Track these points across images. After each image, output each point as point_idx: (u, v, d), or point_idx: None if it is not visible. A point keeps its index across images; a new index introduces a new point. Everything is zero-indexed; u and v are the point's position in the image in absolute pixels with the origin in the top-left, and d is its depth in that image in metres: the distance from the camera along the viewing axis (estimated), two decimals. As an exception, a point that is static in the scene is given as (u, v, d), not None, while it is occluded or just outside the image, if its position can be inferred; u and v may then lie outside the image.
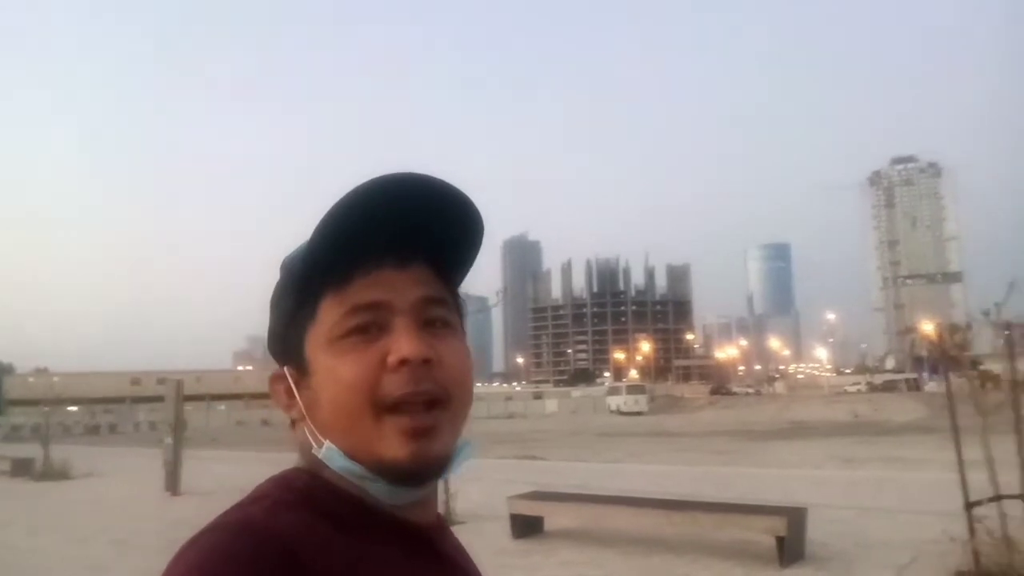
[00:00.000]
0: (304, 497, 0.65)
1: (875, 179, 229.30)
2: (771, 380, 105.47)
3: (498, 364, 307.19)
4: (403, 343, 0.64)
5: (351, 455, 0.65)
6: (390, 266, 0.68)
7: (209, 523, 0.62)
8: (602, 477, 13.79)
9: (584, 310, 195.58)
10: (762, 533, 6.53)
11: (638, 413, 54.24)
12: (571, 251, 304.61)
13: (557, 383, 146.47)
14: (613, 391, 65.13)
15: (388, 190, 0.65)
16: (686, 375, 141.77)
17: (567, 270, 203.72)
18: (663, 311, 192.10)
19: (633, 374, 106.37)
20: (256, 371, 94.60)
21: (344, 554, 0.62)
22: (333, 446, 0.65)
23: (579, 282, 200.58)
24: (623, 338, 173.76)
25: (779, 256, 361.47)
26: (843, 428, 31.99)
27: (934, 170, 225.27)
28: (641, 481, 12.62)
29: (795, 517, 6.59)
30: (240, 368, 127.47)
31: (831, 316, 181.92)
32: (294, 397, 0.69)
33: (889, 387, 68.84)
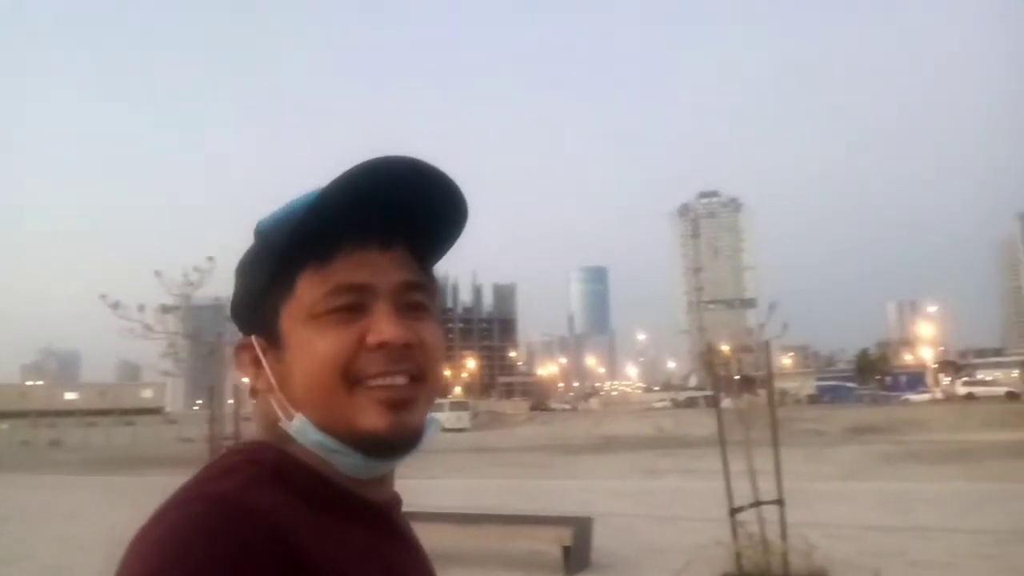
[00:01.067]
0: (275, 473, 0.64)
1: (683, 211, 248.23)
2: (587, 397, 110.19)
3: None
4: (385, 327, 0.65)
5: (325, 428, 0.65)
6: (374, 247, 0.68)
7: (172, 497, 0.60)
8: (417, 493, 13.56)
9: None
10: (550, 543, 6.84)
11: (461, 429, 54.58)
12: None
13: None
14: (436, 407, 64.75)
15: (379, 171, 0.64)
16: (509, 392, 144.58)
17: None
18: (489, 329, 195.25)
19: (458, 391, 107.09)
20: (46, 387, 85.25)
21: (322, 534, 0.61)
22: (305, 419, 0.65)
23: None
24: (449, 355, 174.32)
25: (597, 279, 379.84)
26: (649, 441, 34.07)
27: (735, 205, 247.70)
28: (454, 496, 12.76)
29: (581, 527, 6.96)
30: (29, 383, 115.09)
31: (642, 336, 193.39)
32: (260, 367, 0.69)
33: (691, 403, 74.07)
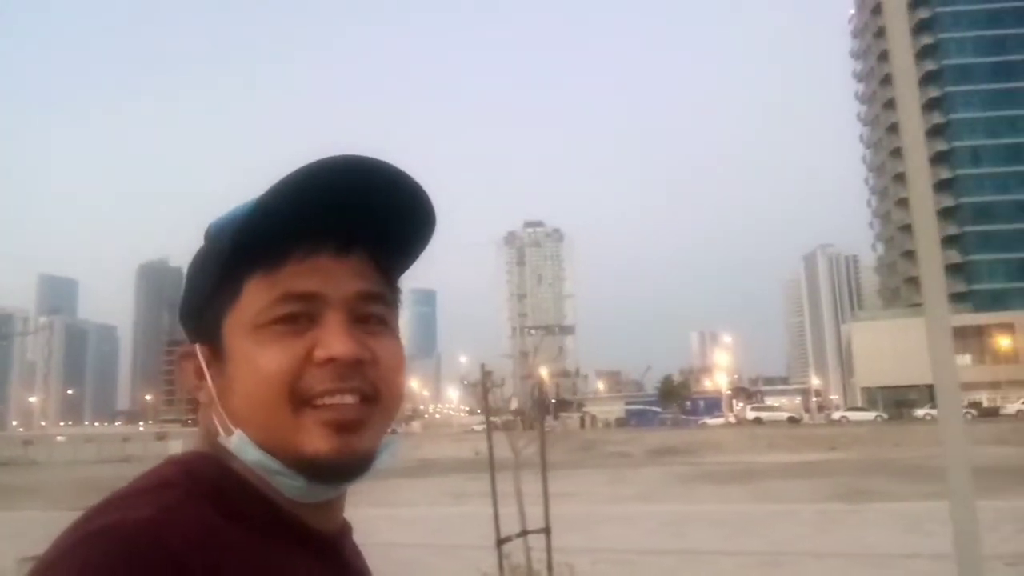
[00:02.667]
0: (212, 490, 0.59)
1: (510, 239, 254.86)
2: (409, 419, 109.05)
3: (123, 402, 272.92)
4: (334, 340, 0.60)
5: (266, 447, 0.60)
6: (328, 254, 0.62)
7: (86, 518, 0.55)
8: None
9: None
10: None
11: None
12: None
13: (187, 423, 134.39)
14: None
15: (334, 171, 0.60)
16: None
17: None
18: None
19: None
20: None
21: (254, 565, 0.56)
22: (245, 436, 0.60)
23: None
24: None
25: (426, 302, 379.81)
26: (465, 465, 33.88)
27: (558, 235, 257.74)
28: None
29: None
30: None
31: (464, 359, 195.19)
32: (203, 378, 0.64)
33: (509, 426, 75.16)
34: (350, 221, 0.63)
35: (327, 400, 0.59)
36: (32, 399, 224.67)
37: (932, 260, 2.88)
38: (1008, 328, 66.90)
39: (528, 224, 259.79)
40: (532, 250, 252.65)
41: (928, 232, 2.73)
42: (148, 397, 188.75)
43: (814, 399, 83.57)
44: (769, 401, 72.30)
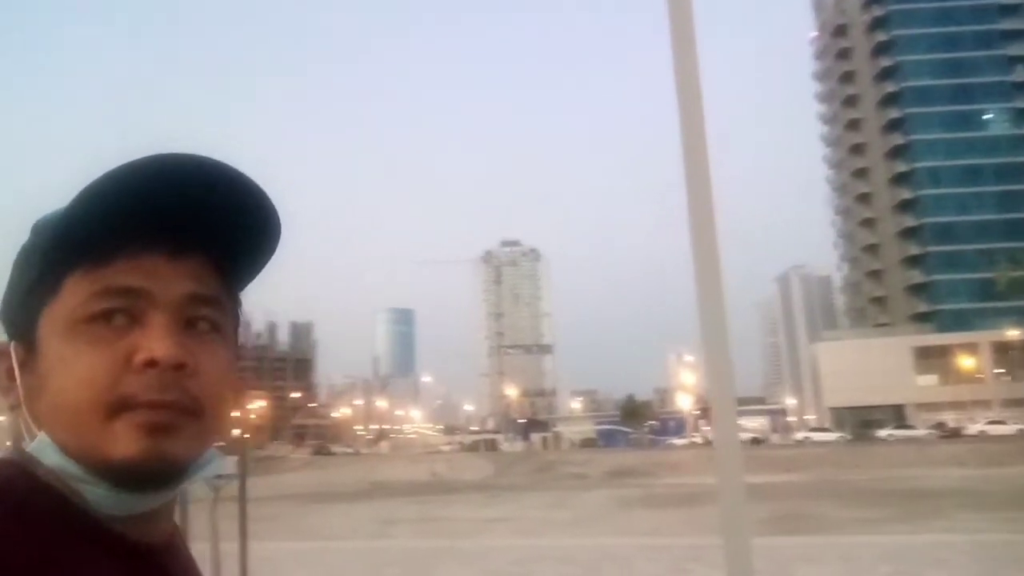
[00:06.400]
0: (8, 495, 0.55)
1: (487, 258, 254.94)
2: (376, 440, 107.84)
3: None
4: (155, 341, 0.56)
5: (71, 453, 0.55)
6: (161, 253, 0.59)
7: None
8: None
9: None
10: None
11: (218, 476, 50.73)
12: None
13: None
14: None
15: (167, 168, 0.56)
16: (301, 435, 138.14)
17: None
18: (282, 368, 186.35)
19: (236, 434, 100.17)
20: None
21: (42, 571, 0.51)
22: (47, 438, 0.56)
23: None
24: (239, 393, 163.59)
25: (404, 320, 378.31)
26: (418, 488, 33.27)
27: (535, 254, 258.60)
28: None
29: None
30: None
31: (427, 379, 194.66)
32: (15, 379, 0.59)
33: (474, 447, 74.47)
34: (187, 222, 0.59)
35: (143, 407, 0.55)
36: None
37: (712, 287, 2.52)
38: (972, 348, 67.42)
39: (505, 243, 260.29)
40: (509, 269, 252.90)
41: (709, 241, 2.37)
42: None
43: (786, 419, 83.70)
44: (742, 421, 72.21)
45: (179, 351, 0.56)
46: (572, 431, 78.77)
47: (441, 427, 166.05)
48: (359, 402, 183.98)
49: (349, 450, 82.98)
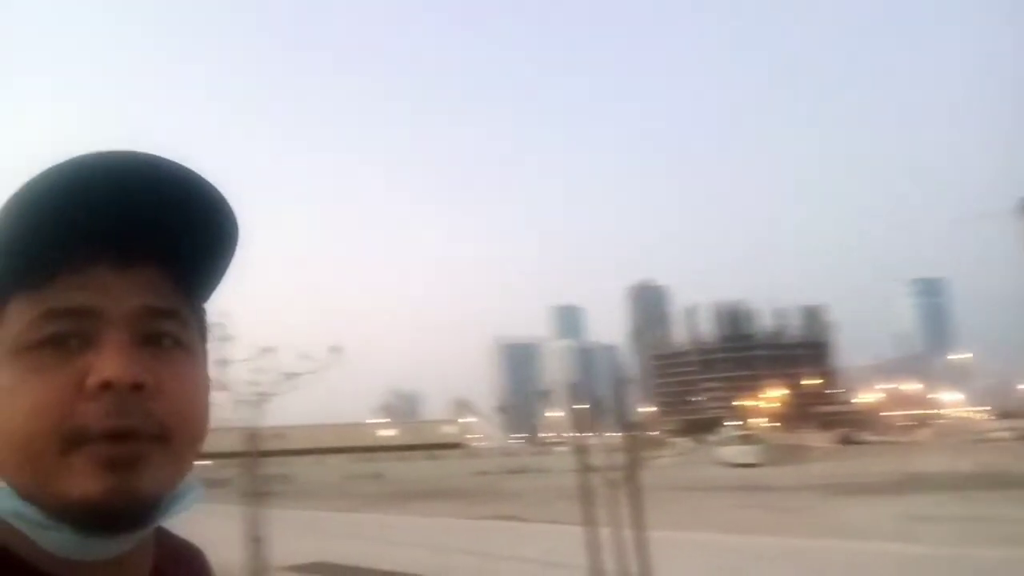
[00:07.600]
0: None
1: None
2: (913, 426, 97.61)
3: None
4: (107, 361, 0.49)
5: (27, 496, 0.49)
6: (107, 265, 0.52)
7: None
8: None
9: (710, 356, 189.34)
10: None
11: (749, 464, 51.84)
12: (697, 295, 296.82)
13: (677, 433, 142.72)
14: (725, 441, 62.87)
15: (109, 169, 0.50)
16: (826, 423, 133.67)
17: (691, 315, 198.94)
18: (797, 355, 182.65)
19: (757, 422, 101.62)
20: (368, 424, 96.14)
21: None
22: (1, 484, 0.51)
23: (704, 327, 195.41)
24: (750, 384, 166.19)
25: (932, 291, 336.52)
26: (960, 481, 29.03)
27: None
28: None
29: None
30: (371, 421, 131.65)
31: (968, 355, 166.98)
32: None
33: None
34: (134, 229, 0.52)
35: (101, 436, 0.49)
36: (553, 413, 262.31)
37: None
38: None
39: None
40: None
41: None
42: (642, 409, 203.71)
43: None
44: None
45: (135, 369, 0.50)
46: None
47: (992, 410, 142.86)
48: (887, 385, 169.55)
49: (880, 438, 77.16)
